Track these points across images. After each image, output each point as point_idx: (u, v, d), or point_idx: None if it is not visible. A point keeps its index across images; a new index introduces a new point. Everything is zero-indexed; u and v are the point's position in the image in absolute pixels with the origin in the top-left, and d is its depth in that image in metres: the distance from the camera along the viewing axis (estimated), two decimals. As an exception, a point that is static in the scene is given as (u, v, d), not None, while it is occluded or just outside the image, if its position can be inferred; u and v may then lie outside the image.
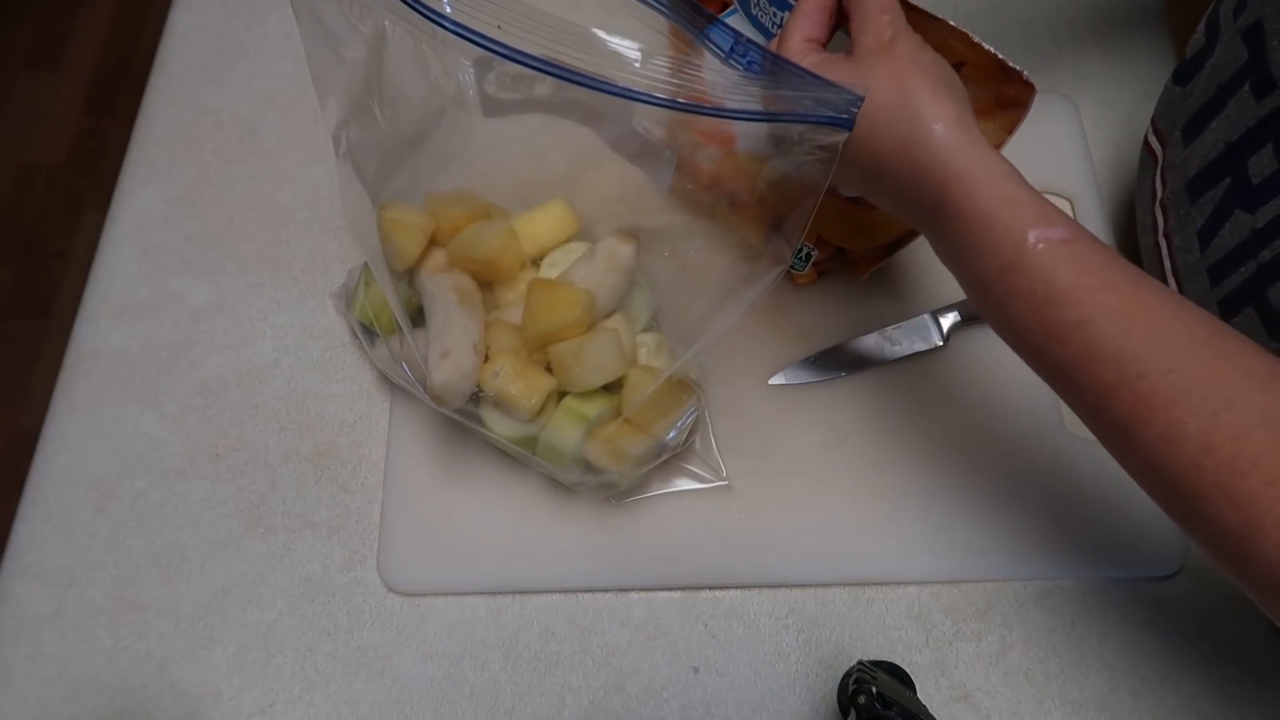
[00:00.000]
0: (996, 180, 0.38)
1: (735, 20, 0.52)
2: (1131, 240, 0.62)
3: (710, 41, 0.41)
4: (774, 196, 0.55)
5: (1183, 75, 0.53)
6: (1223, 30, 0.49)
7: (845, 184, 0.47)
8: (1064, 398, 0.39)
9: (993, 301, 0.39)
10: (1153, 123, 0.56)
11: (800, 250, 0.56)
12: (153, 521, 0.54)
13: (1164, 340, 0.35)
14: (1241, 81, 0.46)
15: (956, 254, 0.40)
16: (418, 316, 0.51)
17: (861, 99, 0.39)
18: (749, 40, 0.40)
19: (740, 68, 0.40)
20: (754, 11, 0.51)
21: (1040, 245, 0.37)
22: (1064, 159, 0.64)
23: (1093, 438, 0.54)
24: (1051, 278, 0.37)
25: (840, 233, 0.55)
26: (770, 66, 0.40)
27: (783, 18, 0.50)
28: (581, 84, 0.37)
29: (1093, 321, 0.36)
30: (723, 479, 0.54)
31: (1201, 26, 0.52)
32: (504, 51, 0.36)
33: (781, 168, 0.43)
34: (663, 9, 0.40)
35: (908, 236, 0.55)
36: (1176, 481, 0.35)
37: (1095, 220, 0.62)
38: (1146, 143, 0.56)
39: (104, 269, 0.60)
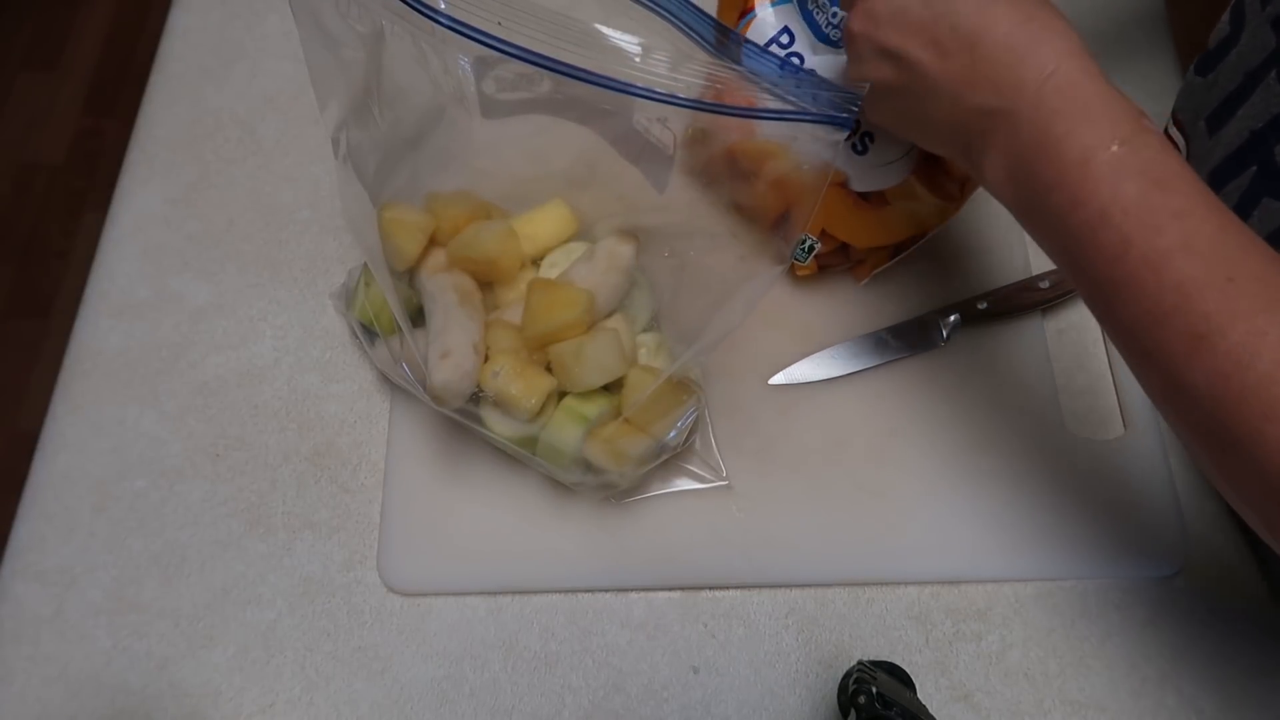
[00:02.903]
0: (1096, 66, 0.38)
1: (785, 11, 0.53)
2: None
3: (709, 43, 0.41)
4: (774, 195, 0.55)
5: (1205, 65, 0.53)
6: (1249, 19, 0.49)
7: (899, 110, 0.45)
8: (1127, 306, 0.36)
9: (1090, 184, 0.36)
10: (1173, 115, 0.56)
11: (804, 241, 0.56)
12: (153, 521, 0.54)
13: (1252, 248, 0.35)
14: (1269, 68, 0.46)
15: (1045, 143, 0.38)
16: (418, 316, 0.51)
17: (861, 98, 0.39)
18: (749, 40, 0.40)
19: (741, 67, 0.40)
20: (810, 8, 0.52)
21: (1151, 126, 0.37)
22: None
23: (1092, 438, 0.54)
24: (1164, 159, 0.36)
25: (846, 228, 0.55)
26: (771, 66, 0.40)
27: (842, 18, 0.50)
28: (582, 79, 0.37)
29: (1193, 214, 0.35)
30: (723, 479, 0.54)
31: (1226, 16, 0.52)
32: (504, 48, 0.37)
33: (782, 167, 0.43)
34: (660, 9, 0.40)
35: (912, 240, 0.55)
36: (1247, 397, 0.33)
37: (1095, 220, 0.62)
38: (1166, 134, 0.56)
39: (104, 269, 0.60)
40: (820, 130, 0.41)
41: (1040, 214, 0.38)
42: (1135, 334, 0.36)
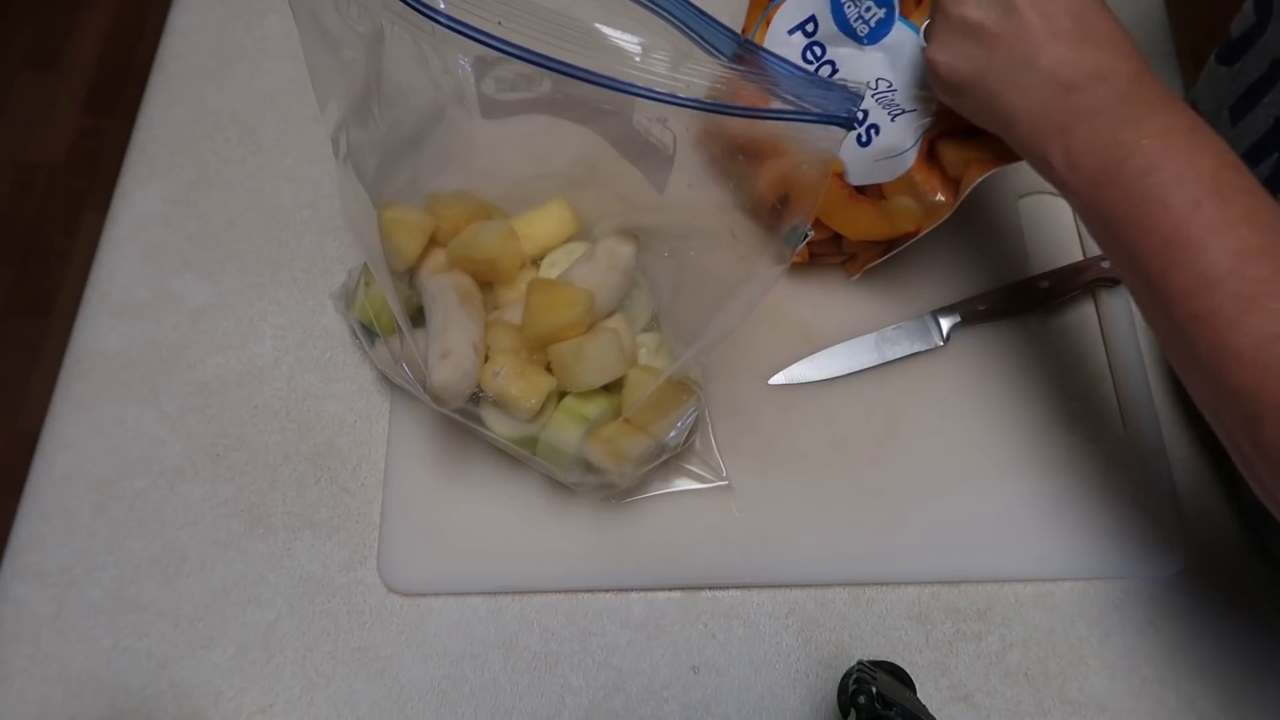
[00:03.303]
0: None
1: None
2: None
3: (710, 44, 0.41)
4: (774, 176, 0.56)
5: (1230, 55, 0.53)
6: (1276, 7, 0.49)
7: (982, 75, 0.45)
8: (1184, 270, 0.38)
9: (1172, 151, 0.39)
10: (1192, 105, 0.56)
11: (796, 227, 0.56)
12: (153, 521, 0.54)
13: None
14: None
15: (1135, 118, 0.40)
16: (418, 316, 0.51)
17: (861, 97, 0.39)
18: (748, 40, 0.40)
19: (742, 67, 0.40)
20: (845, 7, 0.52)
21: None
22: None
23: (1092, 438, 0.54)
24: (1229, 150, 0.40)
25: (840, 219, 0.55)
26: (772, 66, 0.40)
27: (878, 16, 0.51)
28: (582, 79, 0.37)
29: (1259, 194, 0.38)
30: (723, 479, 0.54)
31: (1249, 6, 0.52)
32: (504, 48, 0.37)
33: (781, 167, 0.43)
34: (659, 9, 0.40)
35: (906, 237, 0.55)
36: None
37: (1095, 220, 0.62)
38: None
39: (104, 269, 0.60)
40: (821, 130, 0.41)
41: (1116, 181, 0.40)
42: (1188, 297, 0.38)
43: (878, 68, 0.52)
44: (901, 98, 0.52)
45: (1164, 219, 0.38)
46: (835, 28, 0.53)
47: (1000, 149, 0.48)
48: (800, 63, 0.54)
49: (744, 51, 0.41)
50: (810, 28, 0.53)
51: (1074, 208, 0.44)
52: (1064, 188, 0.43)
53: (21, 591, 0.52)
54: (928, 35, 0.46)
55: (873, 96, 0.52)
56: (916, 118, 0.51)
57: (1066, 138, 0.42)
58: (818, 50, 0.54)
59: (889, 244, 0.56)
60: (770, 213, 0.53)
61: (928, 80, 0.47)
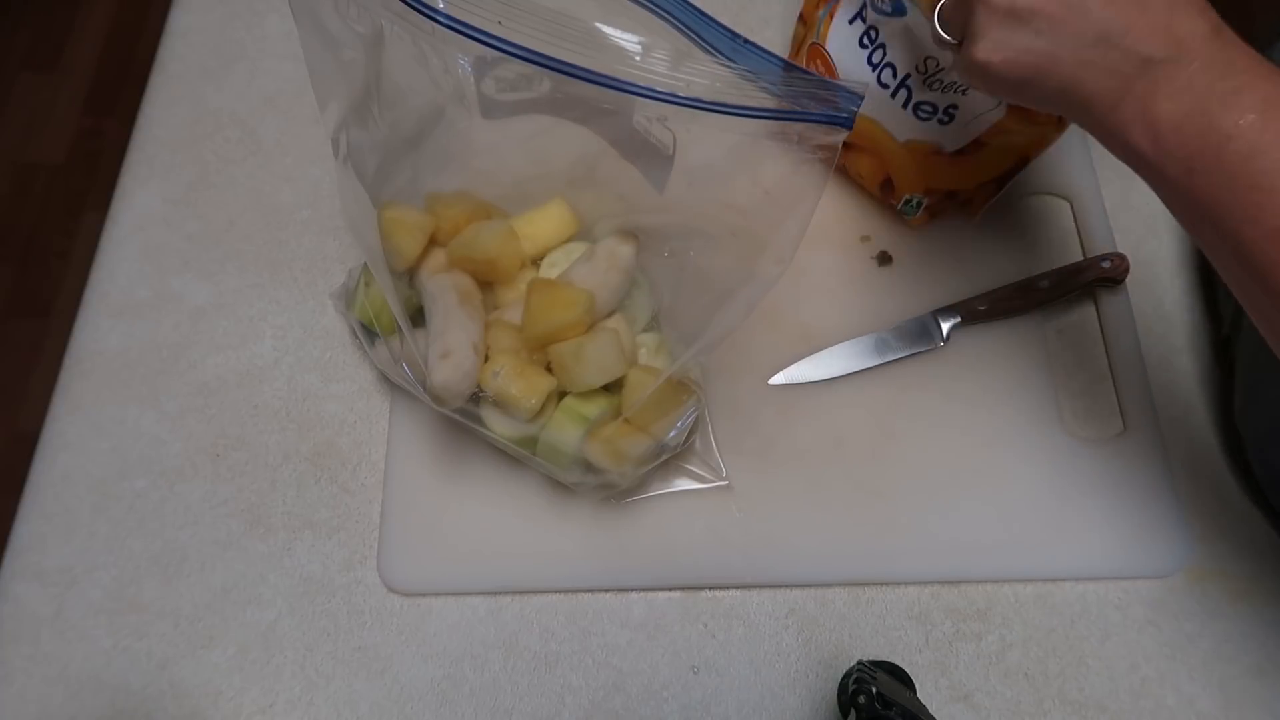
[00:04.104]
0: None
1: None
2: (1137, 240, 0.62)
3: (709, 44, 0.41)
4: (878, 179, 0.56)
5: None
6: None
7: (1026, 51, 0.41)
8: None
9: (1273, 134, 0.36)
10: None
11: (910, 200, 0.58)
12: (153, 521, 0.54)
13: None
14: None
15: (1224, 93, 0.37)
16: (418, 316, 0.51)
17: (861, 97, 0.39)
18: (748, 40, 0.40)
19: (741, 66, 0.40)
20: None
21: None
22: (1064, 159, 0.64)
23: (1092, 438, 0.54)
24: None
25: (948, 178, 0.57)
26: (772, 66, 0.40)
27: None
28: (582, 78, 0.37)
29: None
30: (723, 479, 0.54)
31: None
32: (504, 48, 0.36)
33: (781, 167, 0.43)
34: (658, 9, 0.40)
35: (1018, 167, 0.56)
36: None
37: (1096, 220, 0.62)
38: None
39: (104, 269, 0.60)
40: (820, 130, 0.41)
41: (1216, 167, 0.37)
42: None
43: (918, 46, 0.53)
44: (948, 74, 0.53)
45: (1275, 208, 0.35)
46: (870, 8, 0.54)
47: None
48: (857, 47, 0.56)
49: (747, 51, 0.41)
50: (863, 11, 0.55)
51: (1159, 192, 0.40)
52: (1149, 170, 0.39)
53: (21, 591, 0.52)
54: (968, 36, 0.41)
55: (925, 83, 0.53)
56: None
57: (1151, 118, 0.38)
58: (873, 34, 0.55)
59: (1000, 180, 0.57)
60: (881, 191, 0.59)
61: (976, 86, 0.44)
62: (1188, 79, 0.37)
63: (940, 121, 0.54)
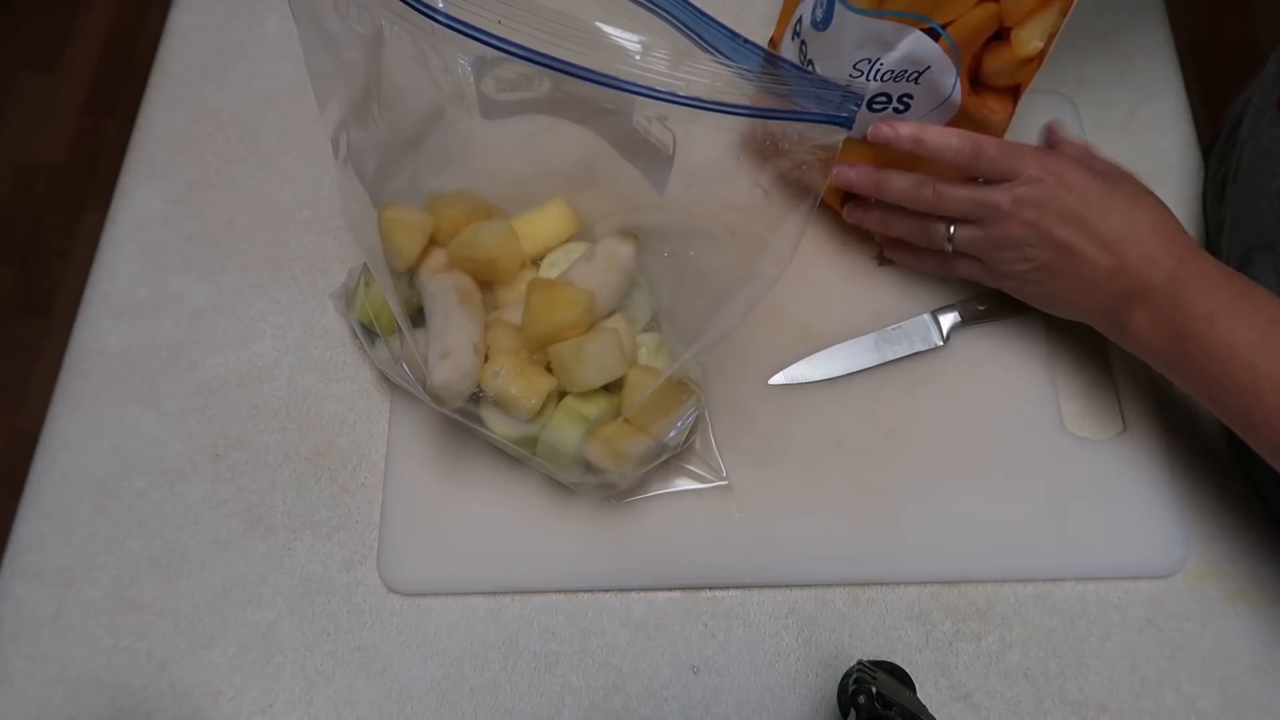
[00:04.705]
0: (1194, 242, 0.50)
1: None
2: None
3: (709, 44, 0.41)
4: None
5: None
6: None
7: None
8: (1266, 417, 0.45)
9: (1217, 329, 0.46)
10: (1247, 100, 0.58)
11: None
12: (153, 521, 0.54)
13: None
14: None
15: (1181, 306, 0.47)
16: (418, 316, 0.51)
17: (861, 97, 0.39)
18: (748, 40, 0.40)
19: (741, 66, 0.40)
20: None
21: (1253, 284, 0.48)
22: (1064, 159, 0.64)
23: (1092, 438, 0.54)
24: (1273, 304, 0.47)
25: (931, 170, 0.55)
26: (770, 65, 0.40)
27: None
28: (582, 78, 0.37)
29: None
30: (722, 479, 0.54)
31: None
32: (504, 47, 0.36)
33: (781, 167, 0.43)
34: (658, 9, 0.40)
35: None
36: None
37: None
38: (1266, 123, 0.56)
39: (104, 269, 0.60)
40: (820, 130, 0.41)
41: (1181, 358, 0.48)
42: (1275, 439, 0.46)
43: (849, 48, 0.51)
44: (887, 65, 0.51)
45: (1229, 384, 0.46)
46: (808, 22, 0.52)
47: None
48: (797, 62, 0.54)
49: (747, 51, 0.41)
50: (797, 26, 0.53)
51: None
52: (1136, 353, 0.51)
53: (21, 591, 0.52)
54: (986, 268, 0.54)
55: (878, 77, 0.51)
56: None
57: (1132, 327, 0.49)
58: (805, 49, 0.54)
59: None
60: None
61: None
62: (1159, 295, 0.48)
63: (896, 110, 0.52)
